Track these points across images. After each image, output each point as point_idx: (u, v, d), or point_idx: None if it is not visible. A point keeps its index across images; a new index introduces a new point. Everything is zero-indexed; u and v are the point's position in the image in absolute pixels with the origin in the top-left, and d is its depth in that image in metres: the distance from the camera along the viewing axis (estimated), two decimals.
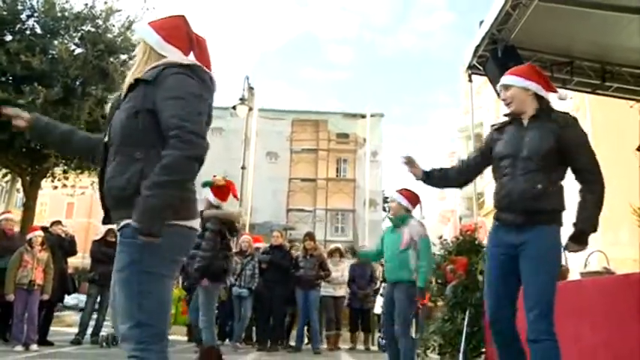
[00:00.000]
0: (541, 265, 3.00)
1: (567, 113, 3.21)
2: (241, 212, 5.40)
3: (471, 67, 8.53)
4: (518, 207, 3.08)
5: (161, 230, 1.90)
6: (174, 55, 2.14)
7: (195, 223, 2.12)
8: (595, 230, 2.99)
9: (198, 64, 2.14)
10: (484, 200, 20.74)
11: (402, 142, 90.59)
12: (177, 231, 2.01)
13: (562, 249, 3.09)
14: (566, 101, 16.21)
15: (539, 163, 3.04)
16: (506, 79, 3.33)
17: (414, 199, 5.36)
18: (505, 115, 3.38)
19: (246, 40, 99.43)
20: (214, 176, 5.79)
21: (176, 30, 2.20)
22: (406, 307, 5.01)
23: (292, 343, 9.05)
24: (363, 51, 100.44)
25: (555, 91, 3.43)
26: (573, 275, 5.60)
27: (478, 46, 7.68)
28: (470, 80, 8.93)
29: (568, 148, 3.06)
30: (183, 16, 2.25)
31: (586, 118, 18.88)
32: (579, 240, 3.02)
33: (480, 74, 8.54)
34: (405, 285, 4.99)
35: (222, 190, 5.48)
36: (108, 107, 2.30)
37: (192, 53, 2.23)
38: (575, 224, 3.06)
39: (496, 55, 7.47)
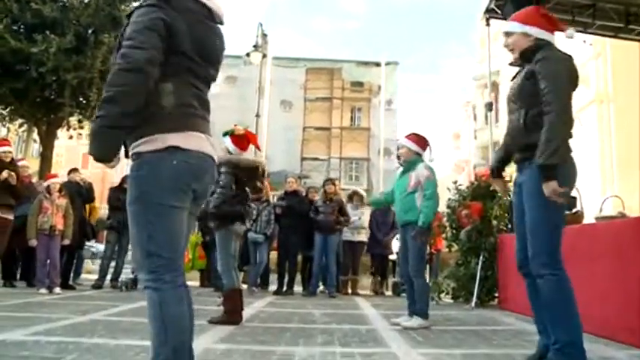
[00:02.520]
0: (532, 200, 3.01)
1: (551, 50, 3.07)
2: (263, 161, 5.32)
3: (488, 10, 8.35)
4: (515, 147, 3.19)
5: (111, 153, 1.95)
6: None
7: (191, 143, 2.03)
8: (553, 162, 2.83)
9: None
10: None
11: (415, 92, 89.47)
12: (173, 157, 1.99)
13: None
14: (587, 48, 15.83)
15: (520, 103, 3.10)
16: (507, 25, 3.30)
17: (422, 142, 5.37)
18: (510, 64, 3.34)
19: None
20: (235, 125, 5.73)
21: None
22: (416, 248, 5.06)
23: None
24: (376, 0, 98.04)
25: (562, 30, 3.32)
26: (588, 220, 5.61)
27: None
28: (487, 24, 8.75)
29: (537, 81, 2.99)
30: None
31: (607, 64, 18.53)
32: (544, 177, 2.87)
33: (498, 18, 8.36)
34: (414, 227, 5.02)
35: (242, 139, 5.42)
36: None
37: None
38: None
39: None
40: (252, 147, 5.79)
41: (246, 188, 5.35)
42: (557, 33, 3.23)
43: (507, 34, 3.25)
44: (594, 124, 18.51)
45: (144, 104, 1.95)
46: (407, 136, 5.45)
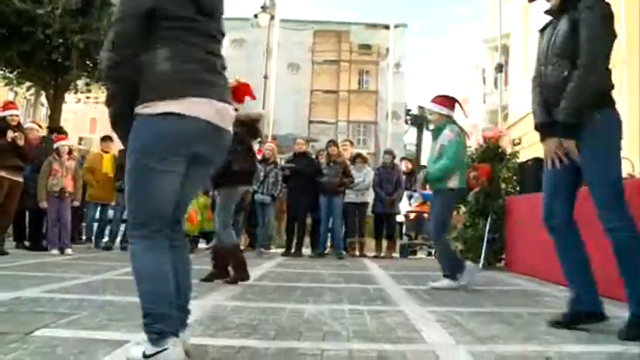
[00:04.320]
0: (599, 153, 2.92)
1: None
2: (262, 113, 5.22)
3: None
4: (555, 99, 3.00)
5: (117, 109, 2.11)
6: None
7: (186, 109, 2.02)
8: (572, 119, 2.83)
9: None
10: (508, 113, 20.42)
11: (422, 55, 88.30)
12: (165, 122, 2.00)
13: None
14: None
15: (565, 54, 2.95)
16: None
17: (448, 102, 5.22)
18: (545, 12, 3.22)
19: None
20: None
21: None
22: (438, 212, 5.07)
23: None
24: None
25: None
26: None
27: None
28: None
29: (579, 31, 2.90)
30: None
31: (621, 27, 18.16)
32: (562, 133, 2.88)
33: None
34: (441, 192, 5.03)
35: (235, 91, 5.32)
36: None
37: None
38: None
39: None
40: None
41: (251, 145, 5.32)
42: None
43: None
44: None
45: (144, 71, 2.03)
46: (432, 100, 5.24)
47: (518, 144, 7.73)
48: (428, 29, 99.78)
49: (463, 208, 7.76)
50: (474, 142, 8.11)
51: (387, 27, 30.46)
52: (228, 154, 4.91)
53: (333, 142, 9.31)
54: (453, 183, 5.01)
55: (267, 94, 16.54)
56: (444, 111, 5.15)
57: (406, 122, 38.83)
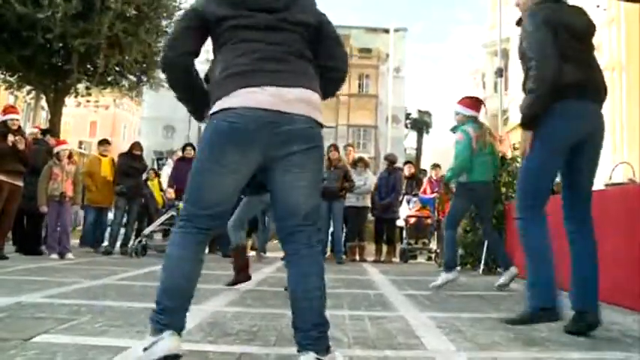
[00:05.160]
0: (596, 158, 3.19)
1: (540, 4, 3.11)
2: None
3: None
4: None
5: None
6: None
7: (235, 101, 2.02)
8: (525, 117, 3.03)
9: None
10: (509, 117, 20.42)
11: (422, 59, 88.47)
12: (214, 119, 2.08)
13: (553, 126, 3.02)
14: (601, 13, 15.54)
15: (522, 58, 3.11)
16: None
17: (473, 104, 5.45)
18: (516, 24, 3.29)
19: None
20: None
21: None
22: (451, 206, 5.43)
23: None
24: None
25: None
26: (598, 187, 5.59)
27: None
28: None
29: None
30: None
31: (620, 31, 18.19)
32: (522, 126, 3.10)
33: None
34: (457, 186, 5.37)
35: None
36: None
37: None
38: None
39: None
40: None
41: None
42: None
43: None
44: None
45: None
46: (459, 102, 5.48)
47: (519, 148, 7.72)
48: (428, 33, 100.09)
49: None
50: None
51: (387, 31, 30.59)
52: None
53: (333, 147, 9.29)
54: (462, 177, 5.26)
55: None
56: (468, 112, 5.38)
57: (406, 126, 38.86)
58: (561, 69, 2.93)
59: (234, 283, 4.79)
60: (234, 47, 2.11)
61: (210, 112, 2.09)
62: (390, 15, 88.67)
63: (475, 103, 5.48)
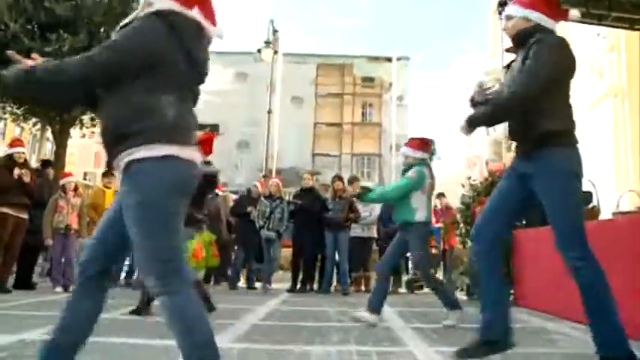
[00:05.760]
0: (560, 188, 2.93)
1: (550, 33, 3.00)
2: (214, 170, 5.67)
3: (502, 4, 8.27)
4: (518, 135, 3.10)
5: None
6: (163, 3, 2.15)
7: (186, 153, 2.06)
8: (477, 122, 2.98)
9: (175, 9, 2.13)
10: (512, 143, 20.39)
11: (425, 87, 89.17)
12: (172, 164, 2.03)
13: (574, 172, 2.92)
14: (601, 41, 15.68)
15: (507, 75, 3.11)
16: (508, 8, 3.21)
17: (422, 145, 5.36)
18: (506, 50, 3.29)
19: None
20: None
21: None
22: (415, 247, 5.06)
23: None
24: None
25: (566, 17, 3.19)
26: (605, 216, 5.56)
27: None
28: (501, 18, 8.67)
29: None
30: None
31: (621, 58, 18.32)
32: (466, 121, 2.99)
33: None
34: (408, 228, 5.04)
35: (203, 143, 5.72)
36: None
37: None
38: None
39: None
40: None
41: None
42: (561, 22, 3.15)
43: (508, 17, 3.15)
44: (609, 118, 18.33)
45: (145, 114, 2.02)
46: (407, 144, 5.45)
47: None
48: (430, 62, 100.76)
49: (469, 243, 7.70)
50: (477, 173, 8.12)
51: (389, 60, 30.88)
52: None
53: (338, 177, 9.29)
54: (421, 216, 5.03)
55: (271, 127, 16.62)
56: (417, 154, 5.29)
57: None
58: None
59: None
60: (184, 100, 2.17)
61: (164, 152, 2.01)
62: (391, 44, 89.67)
63: (424, 144, 5.40)
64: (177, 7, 2.15)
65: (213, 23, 2.27)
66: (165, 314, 1.99)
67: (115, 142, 2.05)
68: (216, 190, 9.30)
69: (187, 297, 2.00)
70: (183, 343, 1.95)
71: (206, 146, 5.66)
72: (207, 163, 5.75)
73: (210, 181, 5.67)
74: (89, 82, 2.05)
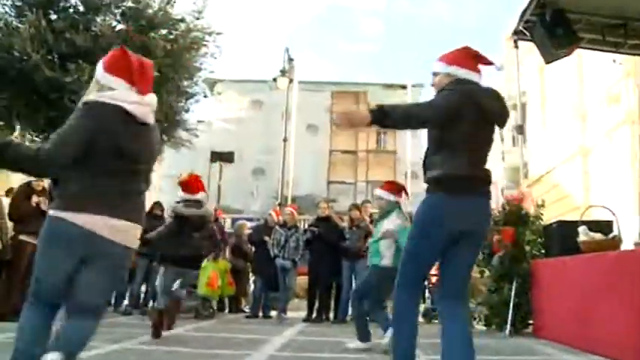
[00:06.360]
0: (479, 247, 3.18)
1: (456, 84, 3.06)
2: (208, 213, 6.17)
3: (516, 32, 8.28)
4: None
5: None
6: (116, 84, 2.69)
7: (81, 220, 2.49)
8: (377, 114, 2.80)
9: (101, 101, 2.61)
10: (528, 170, 20.29)
11: None
12: (59, 223, 2.54)
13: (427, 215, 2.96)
14: (617, 67, 15.63)
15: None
16: (433, 65, 3.25)
17: (395, 189, 5.58)
18: None
19: (272, 16, 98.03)
20: (180, 174, 6.81)
21: (118, 61, 2.77)
22: (372, 284, 5.42)
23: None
24: (396, 22, 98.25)
25: (491, 64, 3.25)
26: (627, 246, 5.46)
27: (525, 11, 7.44)
28: (516, 46, 8.68)
29: None
30: (122, 47, 2.85)
31: (637, 84, 18.21)
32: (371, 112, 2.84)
33: (526, 40, 8.29)
34: (375, 270, 5.38)
35: (187, 184, 6.26)
36: None
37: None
38: None
39: (544, 20, 7.24)
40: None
41: (194, 235, 6.21)
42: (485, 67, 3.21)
43: (434, 74, 3.21)
44: (627, 145, 18.15)
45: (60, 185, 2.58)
46: (382, 187, 5.64)
47: (542, 206, 7.61)
48: None
49: (487, 272, 7.61)
50: (493, 199, 8.02)
51: (404, 87, 30.98)
52: (160, 232, 6.44)
53: (355, 206, 9.25)
54: (386, 262, 5.26)
55: (286, 155, 16.69)
56: (391, 197, 5.48)
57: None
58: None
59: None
60: (101, 178, 2.58)
61: (60, 214, 2.56)
62: (404, 69, 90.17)
63: (398, 188, 5.61)
64: (102, 99, 2.64)
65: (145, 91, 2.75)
66: None
67: None
68: (217, 216, 10.17)
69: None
70: None
71: (192, 187, 6.21)
72: (197, 202, 6.24)
73: (194, 221, 6.14)
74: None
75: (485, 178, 3.01)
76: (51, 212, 2.58)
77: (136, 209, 2.67)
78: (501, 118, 3.06)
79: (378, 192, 5.62)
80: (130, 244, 2.66)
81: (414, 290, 3.09)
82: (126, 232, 2.59)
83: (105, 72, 2.72)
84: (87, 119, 2.54)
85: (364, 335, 5.34)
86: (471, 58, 3.13)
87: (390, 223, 5.32)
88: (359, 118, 2.92)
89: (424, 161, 3.04)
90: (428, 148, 3.03)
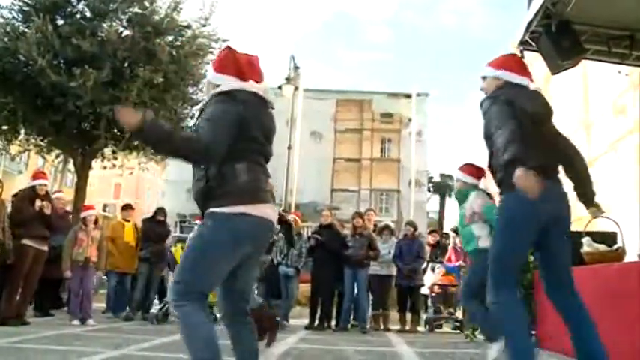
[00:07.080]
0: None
1: (507, 88, 3.17)
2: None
3: (522, 43, 8.27)
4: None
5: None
6: (226, 82, 2.62)
7: (256, 211, 2.48)
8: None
9: (239, 87, 2.58)
10: None
11: (444, 123, 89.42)
12: (239, 219, 2.45)
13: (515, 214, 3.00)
14: (623, 78, 15.61)
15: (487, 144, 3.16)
16: (483, 70, 3.40)
17: (475, 172, 5.40)
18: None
19: (278, 24, 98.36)
20: None
21: (225, 60, 2.71)
22: (469, 275, 5.27)
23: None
24: (402, 31, 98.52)
25: (529, 76, 3.32)
26: (631, 257, 5.43)
27: (531, 22, 7.42)
28: (522, 57, 8.66)
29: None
30: (227, 46, 2.81)
31: None
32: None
33: (532, 50, 8.27)
34: (475, 255, 5.14)
35: None
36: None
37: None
38: None
39: (550, 31, 7.21)
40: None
41: None
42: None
43: (482, 78, 3.37)
44: (632, 156, 18.08)
45: (223, 181, 2.48)
46: (460, 168, 5.49)
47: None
48: (448, 96, 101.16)
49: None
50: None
51: (408, 96, 31.03)
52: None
53: (358, 214, 9.23)
54: (484, 243, 4.96)
55: (290, 162, 16.69)
56: (468, 180, 5.37)
57: (429, 190, 38.74)
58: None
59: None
60: (256, 165, 2.59)
61: (236, 210, 2.45)
62: (410, 77, 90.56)
63: (477, 171, 5.44)
64: (237, 84, 2.59)
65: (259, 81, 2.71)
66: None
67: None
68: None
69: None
70: None
71: None
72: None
73: None
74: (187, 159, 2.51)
75: (556, 167, 3.15)
76: (225, 210, 2.46)
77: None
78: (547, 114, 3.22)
79: (457, 174, 5.57)
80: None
81: (514, 289, 3.14)
82: (275, 215, 2.69)
83: (216, 72, 2.71)
84: (230, 105, 2.50)
85: (494, 332, 4.70)
86: (517, 62, 3.35)
87: (473, 204, 5.21)
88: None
89: (490, 164, 3.15)
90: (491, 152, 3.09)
